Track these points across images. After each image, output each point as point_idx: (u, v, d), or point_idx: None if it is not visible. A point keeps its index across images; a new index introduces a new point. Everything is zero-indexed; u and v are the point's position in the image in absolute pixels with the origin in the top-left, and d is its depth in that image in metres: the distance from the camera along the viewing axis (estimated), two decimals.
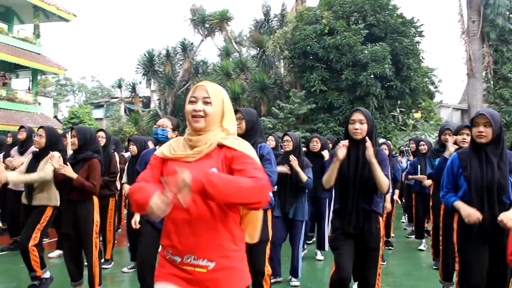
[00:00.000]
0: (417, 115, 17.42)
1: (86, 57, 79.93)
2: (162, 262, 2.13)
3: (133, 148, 5.59)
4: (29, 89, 23.89)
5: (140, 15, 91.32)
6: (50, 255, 6.19)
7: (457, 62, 62.48)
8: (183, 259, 2.02)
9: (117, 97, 37.18)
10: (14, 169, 5.35)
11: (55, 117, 30.14)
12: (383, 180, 3.28)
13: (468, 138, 4.48)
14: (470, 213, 3.14)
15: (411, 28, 18.44)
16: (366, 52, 16.65)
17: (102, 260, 5.68)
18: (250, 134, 3.71)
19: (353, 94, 17.42)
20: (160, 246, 2.19)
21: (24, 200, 4.79)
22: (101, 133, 5.82)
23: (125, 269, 5.66)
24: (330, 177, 3.40)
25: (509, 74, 18.03)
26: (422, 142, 6.92)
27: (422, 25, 18.53)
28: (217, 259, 2.01)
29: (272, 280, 4.72)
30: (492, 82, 18.15)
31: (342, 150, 3.30)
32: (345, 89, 17.55)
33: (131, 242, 5.72)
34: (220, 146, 2.09)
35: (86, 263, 4.39)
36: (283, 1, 24.45)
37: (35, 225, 4.58)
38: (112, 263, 5.95)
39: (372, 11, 17.51)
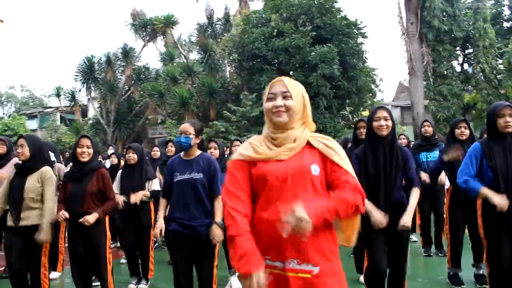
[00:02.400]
0: (365, 113, 18.00)
1: (15, 66, 75.86)
2: None
3: (134, 156, 5.30)
4: None
5: (74, 21, 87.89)
6: (51, 276, 5.56)
7: (395, 62, 65.35)
8: (285, 264, 1.93)
9: (51, 107, 35.63)
10: None
11: None
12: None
13: (466, 132, 4.73)
14: (502, 200, 3.31)
15: (355, 30, 19.06)
16: (315, 53, 16.97)
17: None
18: None
19: None
20: None
21: (10, 222, 4.14)
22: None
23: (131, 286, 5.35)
24: None
25: (445, 72, 18.99)
26: (402, 136, 7.16)
27: (365, 26, 19.26)
28: (321, 263, 1.93)
29: None
30: (431, 80, 19.05)
31: None
32: None
33: (128, 257, 5.44)
34: (310, 142, 2.04)
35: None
36: (226, 5, 24.44)
37: (40, 250, 4.10)
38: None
39: (319, 14, 17.89)
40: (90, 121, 26.61)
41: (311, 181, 1.97)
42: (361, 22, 19.11)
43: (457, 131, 4.79)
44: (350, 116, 17.59)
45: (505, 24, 23.21)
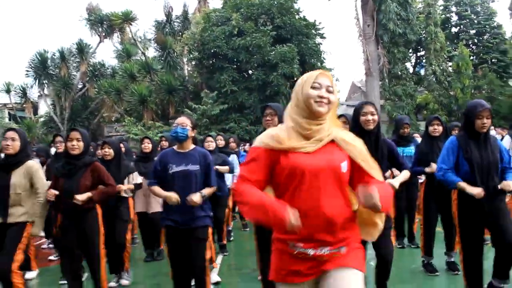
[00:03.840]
0: None
1: None
2: (283, 258, 2.10)
3: (109, 152, 5.22)
4: None
5: (25, 14, 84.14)
6: (27, 276, 5.36)
7: (348, 62, 66.79)
8: (317, 251, 2.01)
9: None
10: None
11: None
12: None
13: (439, 128, 5.03)
14: (478, 189, 3.68)
15: (313, 30, 19.46)
16: (275, 53, 17.20)
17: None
18: None
19: (263, 93, 17.88)
20: (274, 240, 2.16)
21: None
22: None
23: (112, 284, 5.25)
24: None
25: (400, 73, 19.70)
26: None
27: (323, 27, 19.70)
28: (347, 244, 2.06)
29: None
30: (387, 80, 19.72)
31: None
32: (255, 89, 17.96)
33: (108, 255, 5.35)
34: (336, 139, 2.10)
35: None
36: (185, 3, 24.28)
37: (16, 245, 3.95)
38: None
39: (279, 14, 18.14)
40: (42, 119, 25.77)
41: (339, 177, 2.05)
42: (319, 23, 19.58)
43: (431, 128, 5.10)
44: None
45: (453, 29, 24.34)
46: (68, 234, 4.02)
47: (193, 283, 3.92)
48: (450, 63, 21.12)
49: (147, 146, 6.47)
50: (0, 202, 4.02)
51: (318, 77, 2.08)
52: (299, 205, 1.98)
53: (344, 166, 2.05)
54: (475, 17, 23.85)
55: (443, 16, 22.97)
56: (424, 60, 21.69)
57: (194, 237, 3.77)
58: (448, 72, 20.48)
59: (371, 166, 2.11)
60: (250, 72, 18.76)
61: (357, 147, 2.11)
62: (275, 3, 18.21)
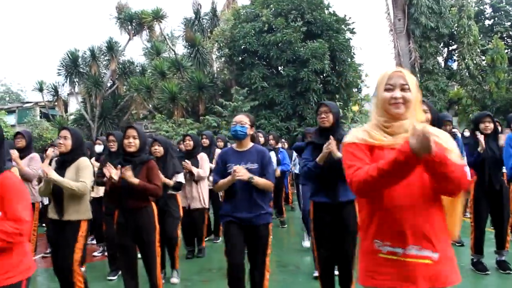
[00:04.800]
0: (355, 108, 18.25)
1: None
2: (373, 259, 2.03)
3: (159, 149, 5.29)
4: None
5: (56, 14, 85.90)
6: None
7: (376, 57, 66.01)
8: (406, 250, 1.95)
9: (30, 102, 34.90)
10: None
11: None
12: None
13: (490, 125, 4.97)
14: None
15: (343, 26, 19.26)
16: (306, 49, 17.09)
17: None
18: (336, 127, 3.81)
19: (293, 90, 17.81)
20: (362, 241, 2.12)
21: (52, 214, 4.10)
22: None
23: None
24: None
25: (431, 68, 19.39)
26: None
27: (353, 22, 19.48)
28: (440, 250, 1.97)
29: None
30: (418, 75, 19.43)
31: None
32: (285, 85, 17.89)
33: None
34: None
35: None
36: (213, 0, 24.30)
37: (74, 245, 3.99)
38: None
39: (309, 9, 18.01)
40: (72, 116, 26.22)
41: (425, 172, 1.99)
42: (349, 18, 19.34)
43: (482, 125, 5.01)
44: (341, 111, 17.77)
45: (487, 22, 23.78)
46: (124, 232, 4.08)
47: None
48: (484, 57, 20.64)
49: (189, 143, 6.50)
50: (56, 199, 4.09)
51: (390, 78, 2.06)
52: (388, 203, 1.96)
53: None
54: (510, 9, 23.23)
55: (477, 8, 22.45)
56: (456, 54, 21.26)
57: (257, 234, 3.80)
58: (482, 66, 20.04)
59: (456, 156, 2.02)
60: (280, 68, 18.68)
61: (442, 139, 2.04)
62: None
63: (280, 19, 17.79)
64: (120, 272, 5.53)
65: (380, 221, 2.01)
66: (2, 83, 47.01)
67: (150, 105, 22.11)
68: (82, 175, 4.09)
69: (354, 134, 2.13)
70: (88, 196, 4.29)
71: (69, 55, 23.85)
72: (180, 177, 5.45)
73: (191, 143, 6.47)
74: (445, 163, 1.84)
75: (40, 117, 30.93)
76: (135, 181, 3.93)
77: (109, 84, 24.89)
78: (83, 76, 24.05)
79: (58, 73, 24.29)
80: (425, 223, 1.95)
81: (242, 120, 3.84)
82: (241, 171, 3.62)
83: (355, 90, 21.22)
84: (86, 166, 4.18)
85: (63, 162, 4.18)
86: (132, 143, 4.05)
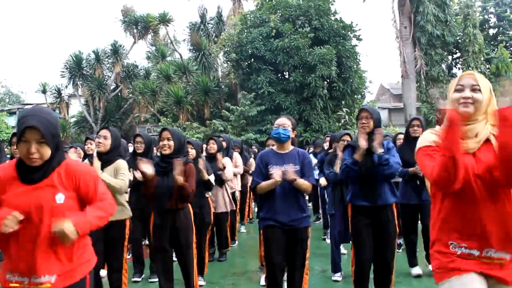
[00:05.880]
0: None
1: None
2: (447, 258, 2.07)
3: (192, 152, 5.31)
4: None
5: (60, 17, 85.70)
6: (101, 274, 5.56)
7: (378, 64, 66.37)
8: (482, 252, 2.00)
9: (30, 103, 34.78)
10: None
11: None
12: None
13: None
14: None
15: (349, 32, 19.34)
16: (314, 54, 17.14)
17: None
18: (374, 133, 3.82)
19: (300, 95, 17.85)
20: (434, 241, 2.15)
21: None
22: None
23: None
24: None
25: (437, 75, 19.50)
26: (400, 136, 6.93)
27: (360, 29, 19.57)
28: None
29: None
30: (424, 83, 19.53)
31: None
32: (292, 90, 17.92)
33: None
34: (489, 136, 2.07)
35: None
36: (219, 5, 24.36)
37: (123, 245, 4.07)
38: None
39: (317, 15, 18.08)
40: (74, 118, 26.15)
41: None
42: (356, 25, 19.42)
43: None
44: (347, 117, 17.83)
45: (491, 31, 23.95)
46: (160, 234, 4.06)
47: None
48: (488, 66, 20.77)
49: (213, 146, 6.50)
50: None
51: (461, 79, 2.10)
52: (465, 207, 2.01)
53: None
54: None
55: (481, 17, 22.62)
56: (460, 62, 21.38)
57: (298, 237, 3.80)
58: (487, 74, 20.15)
59: None
60: (286, 73, 18.72)
61: None
62: (313, 5, 18.14)
63: (288, 24, 17.84)
64: (144, 275, 5.57)
65: (454, 223, 2.05)
66: (3, 85, 46.90)
67: (154, 109, 22.09)
68: (120, 175, 4.12)
69: (425, 138, 2.16)
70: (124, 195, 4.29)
71: (73, 57, 23.82)
72: (212, 178, 5.46)
73: (215, 146, 6.47)
74: None
75: None
76: (183, 183, 3.92)
77: (112, 87, 24.88)
78: (87, 79, 24.01)
79: (61, 75, 24.27)
80: (498, 225, 1.99)
81: (285, 123, 3.83)
82: (289, 171, 3.63)
83: (359, 96, 21.33)
84: (125, 168, 4.21)
85: (102, 163, 4.16)
86: (167, 145, 4.04)
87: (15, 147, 4.47)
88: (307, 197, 5.34)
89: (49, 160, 2.21)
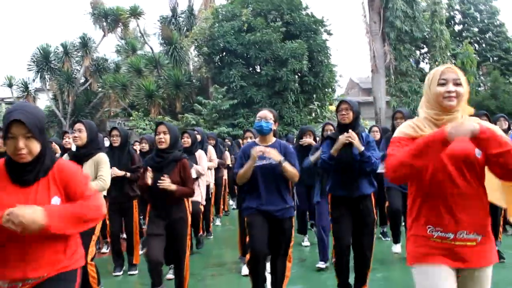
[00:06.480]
0: (332, 107, 18.56)
1: None
2: (422, 242, 2.18)
3: (188, 141, 5.37)
4: None
5: (27, 8, 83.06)
6: None
7: (346, 58, 67.09)
8: (456, 235, 2.11)
9: None
10: None
11: None
12: None
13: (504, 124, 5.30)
14: None
15: (320, 27, 19.57)
16: (285, 49, 17.28)
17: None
18: (355, 124, 3.92)
19: (272, 89, 17.99)
20: (410, 226, 2.25)
21: None
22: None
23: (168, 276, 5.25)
24: None
25: (405, 70, 19.92)
26: (375, 129, 7.19)
27: (330, 24, 19.84)
28: (483, 233, 2.15)
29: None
30: (393, 77, 19.92)
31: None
32: (263, 84, 18.04)
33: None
34: None
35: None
36: None
37: (91, 237, 3.99)
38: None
39: (288, 10, 18.22)
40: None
41: (475, 162, 2.16)
42: (327, 19, 19.68)
43: (498, 123, 5.34)
44: (319, 110, 18.05)
45: (457, 28, 24.60)
46: (157, 223, 4.07)
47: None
48: (454, 61, 21.35)
49: (187, 140, 6.33)
50: None
51: (443, 73, 2.19)
52: (440, 192, 2.13)
53: (479, 152, 2.15)
54: (478, 15, 24.13)
55: (447, 14, 23.21)
56: (428, 57, 21.89)
57: (282, 227, 3.88)
58: None
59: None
60: (258, 67, 18.82)
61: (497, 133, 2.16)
62: None
63: (260, 19, 17.93)
64: (124, 268, 5.54)
65: (431, 208, 2.17)
66: None
67: (125, 103, 21.82)
68: (103, 171, 4.11)
69: (401, 130, 2.27)
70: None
71: (41, 50, 23.22)
72: (194, 174, 5.46)
73: (189, 140, 6.30)
74: (495, 139, 2.03)
75: None
76: (174, 188, 3.94)
77: (82, 81, 24.41)
78: (55, 72, 23.48)
79: (28, 68, 23.66)
80: (472, 208, 2.13)
81: (267, 115, 3.88)
82: (271, 152, 3.68)
83: (329, 90, 21.59)
84: (105, 162, 4.19)
85: (80, 156, 4.12)
86: (163, 139, 4.02)
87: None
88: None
89: (40, 159, 2.12)
